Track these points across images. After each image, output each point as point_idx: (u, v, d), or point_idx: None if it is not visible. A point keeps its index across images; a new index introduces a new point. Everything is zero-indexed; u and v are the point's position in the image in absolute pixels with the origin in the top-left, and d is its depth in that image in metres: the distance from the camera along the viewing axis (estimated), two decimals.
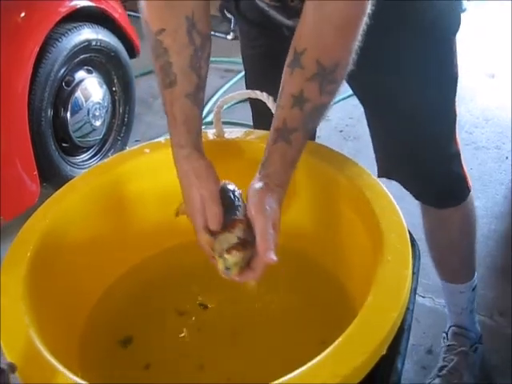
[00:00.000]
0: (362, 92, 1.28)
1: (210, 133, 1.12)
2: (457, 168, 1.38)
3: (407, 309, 0.86)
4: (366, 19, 0.88)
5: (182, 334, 1.05)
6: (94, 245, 1.05)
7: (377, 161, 1.37)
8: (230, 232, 0.88)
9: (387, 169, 1.34)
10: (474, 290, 1.62)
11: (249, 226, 0.88)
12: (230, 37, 3.59)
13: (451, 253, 1.57)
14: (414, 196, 1.41)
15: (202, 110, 1.01)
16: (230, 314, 1.07)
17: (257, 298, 1.07)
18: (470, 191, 1.44)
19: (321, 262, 1.08)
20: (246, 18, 1.25)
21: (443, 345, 1.68)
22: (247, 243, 0.86)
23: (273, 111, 1.06)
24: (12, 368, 0.66)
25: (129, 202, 1.11)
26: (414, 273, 0.99)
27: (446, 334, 1.68)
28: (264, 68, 1.31)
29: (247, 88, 1.33)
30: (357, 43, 0.89)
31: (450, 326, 1.67)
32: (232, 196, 0.93)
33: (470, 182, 1.43)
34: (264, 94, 1.09)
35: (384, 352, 0.76)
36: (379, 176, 1.34)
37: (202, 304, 1.09)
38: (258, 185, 0.89)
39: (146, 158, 1.11)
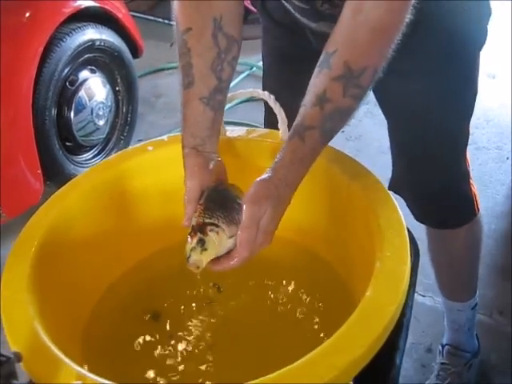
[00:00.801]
0: (379, 98, 1.27)
1: None
2: (465, 188, 1.36)
3: (406, 304, 0.87)
4: (402, 28, 0.88)
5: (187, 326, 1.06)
6: (97, 241, 1.07)
7: (392, 172, 1.36)
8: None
9: (397, 182, 1.32)
10: (473, 308, 1.61)
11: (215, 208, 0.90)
12: None
13: (451, 273, 1.56)
14: (416, 218, 1.38)
15: (220, 111, 1.02)
16: (233, 309, 1.08)
17: (259, 289, 1.09)
18: (476, 214, 1.42)
19: (323, 256, 1.10)
20: (272, 17, 1.25)
21: (438, 360, 1.68)
22: (205, 226, 0.88)
23: (274, 110, 1.08)
24: (17, 357, 0.68)
25: (132, 199, 1.12)
26: (412, 269, 1.00)
27: (442, 348, 1.67)
28: (282, 68, 1.31)
29: (263, 85, 1.34)
30: (390, 51, 0.88)
31: (446, 344, 1.67)
32: (221, 198, 0.94)
33: (479, 204, 1.41)
34: (266, 92, 1.11)
35: (382, 345, 0.77)
36: (389, 189, 1.33)
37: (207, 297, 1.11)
38: (262, 177, 0.89)
39: (149, 155, 1.12)
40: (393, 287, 0.80)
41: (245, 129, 1.15)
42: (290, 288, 1.10)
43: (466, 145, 1.33)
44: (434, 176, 1.32)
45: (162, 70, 3.34)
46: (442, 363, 1.65)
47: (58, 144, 2.31)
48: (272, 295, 1.09)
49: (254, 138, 1.13)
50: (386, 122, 1.32)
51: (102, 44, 2.42)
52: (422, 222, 1.42)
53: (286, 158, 0.89)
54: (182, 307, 1.09)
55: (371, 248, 0.89)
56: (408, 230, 0.93)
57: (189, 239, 0.88)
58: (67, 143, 2.40)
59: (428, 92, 1.20)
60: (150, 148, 1.13)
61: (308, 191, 1.07)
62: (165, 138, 1.16)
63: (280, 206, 0.89)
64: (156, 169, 1.12)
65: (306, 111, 0.89)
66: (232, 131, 1.13)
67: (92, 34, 2.37)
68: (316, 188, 1.07)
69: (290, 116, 1.00)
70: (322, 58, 0.90)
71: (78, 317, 1.03)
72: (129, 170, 1.11)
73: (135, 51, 2.65)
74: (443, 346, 1.67)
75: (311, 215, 1.11)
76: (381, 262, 0.83)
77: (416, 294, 1.84)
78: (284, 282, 1.11)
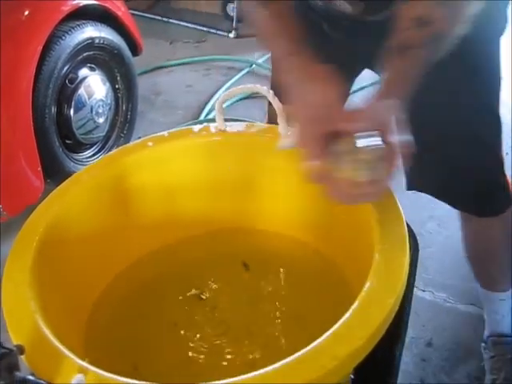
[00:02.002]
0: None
1: (212, 126, 1.14)
2: (503, 176, 1.35)
3: (405, 297, 0.88)
4: None
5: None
6: (98, 236, 1.07)
7: (406, 173, 1.30)
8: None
9: (421, 181, 1.29)
10: None
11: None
12: (232, 35, 3.61)
13: (491, 262, 1.54)
14: (450, 205, 1.38)
15: None
16: (228, 304, 1.09)
17: (258, 285, 1.10)
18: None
19: (323, 251, 1.10)
20: None
21: (486, 356, 1.65)
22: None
23: (273, 104, 1.08)
24: (20, 350, 0.68)
25: (133, 195, 1.13)
26: (412, 263, 1.01)
27: (485, 343, 1.65)
28: None
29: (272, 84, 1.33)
30: None
31: (489, 336, 1.64)
32: None
33: None
34: (265, 87, 1.11)
35: (381, 337, 0.78)
36: (408, 189, 1.31)
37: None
38: (375, 92, 0.88)
39: (150, 151, 1.12)
40: (392, 279, 0.80)
41: (244, 124, 1.15)
42: (290, 282, 1.11)
43: (502, 132, 1.31)
44: (471, 173, 1.29)
45: (162, 67, 3.35)
46: (492, 357, 1.63)
47: (57, 142, 2.32)
48: (268, 288, 1.10)
49: (254, 132, 1.13)
50: None
51: (102, 42, 2.42)
52: (455, 208, 1.40)
53: (394, 78, 0.89)
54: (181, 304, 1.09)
55: (370, 241, 0.89)
56: (407, 224, 0.94)
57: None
58: (67, 141, 2.40)
59: (454, 81, 1.20)
60: (150, 144, 1.13)
61: (307, 186, 1.09)
62: (165, 133, 1.16)
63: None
64: (156, 165, 1.13)
65: (405, 33, 0.89)
66: (231, 126, 1.14)
67: (91, 31, 2.37)
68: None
69: None
70: None
71: (81, 311, 1.04)
72: (129, 166, 1.11)
73: (135, 49, 2.65)
74: (486, 341, 1.65)
75: (311, 210, 1.12)
76: (380, 254, 0.84)
77: (416, 289, 1.85)
78: (284, 276, 1.12)
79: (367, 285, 0.79)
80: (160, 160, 1.12)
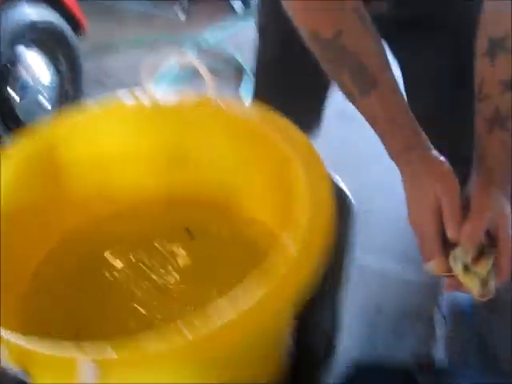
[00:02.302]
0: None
1: (143, 94, 1.11)
2: None
3: (338, 262, 0.88)
4: None
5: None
6: (30, 210, 1.04)
7: None
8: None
9: None
10: None
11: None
12: (180, 14, 3.56)
13: None
14: None
15: None
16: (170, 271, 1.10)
17: (199, 253, 1.12)
18: None
19: (258, 217, 1.10)
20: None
21: (441, 333, 1.61)
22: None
23: (205, 77, 1.06)
24: None
25: (64, 168, 1.10)
26: (346, 227, 1.01)
27: (444, 319, 1.60)
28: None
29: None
30: None
31: (450, 314, 1.58)
32: None
33: None
34: (198, 60, 1.09)
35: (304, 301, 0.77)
36: None
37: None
38: (480, 180, 0.83)
39: (79, 122, 1.10)
40: (313, 242, 0.80)
41: (176, 92, 1.12)
42: (230, 249, 1.12)
43: None
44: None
45: (110, 47, 3.30)
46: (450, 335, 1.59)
47: (1, 126, 2.27)
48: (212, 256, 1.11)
49: (187, 101, 1.10)
50: None
51: (42, 22, 2.37)
52: None
53: (497, 154, 0.84)
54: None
55: (298, 207, 0.89)
56: (341, 190, 0.94)
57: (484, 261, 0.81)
58: (11, 125, 2.35)
59: None
60: (78, 115, 1.11)
61: (243, 158, 1.08)
62: (94, 104, 1.13)
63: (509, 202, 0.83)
64: (87, 136, 1.10)
65: (498, 100, 0.83)
66: (162, 94, 1.11)
67: (30, 12, 2.31)
68: (246, 150, 1.07)
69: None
70: (484, 45, 0.84)
71: (19, 281, 1.02)
72: (59, 137, 1.08)
73: (77, 29, 2.59)
74: (444, 316, 1.64)
75: (245, 180, 1.11)
76: (303, 218, 0.83)
77: (363, 258, 1.87)
78: (224, 243, 1.13)
79: (285, 248, 0.78)
80: (89, 131, 1.10)
